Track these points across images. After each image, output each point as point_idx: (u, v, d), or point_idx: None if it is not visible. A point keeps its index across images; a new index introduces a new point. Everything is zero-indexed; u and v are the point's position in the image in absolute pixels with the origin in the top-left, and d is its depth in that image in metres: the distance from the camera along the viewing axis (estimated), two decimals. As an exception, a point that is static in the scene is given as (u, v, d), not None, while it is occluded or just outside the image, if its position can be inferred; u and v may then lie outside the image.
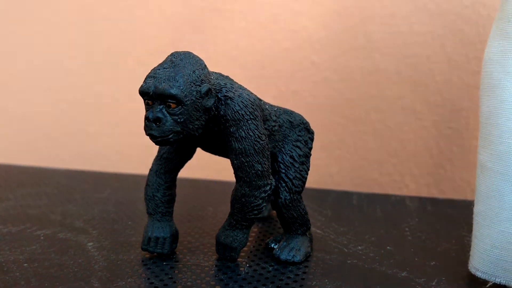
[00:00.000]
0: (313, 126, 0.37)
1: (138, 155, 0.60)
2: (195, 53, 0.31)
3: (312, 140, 0.37)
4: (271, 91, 0.58)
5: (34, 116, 0.64)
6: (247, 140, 0.31)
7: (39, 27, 0.62)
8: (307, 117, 0.50)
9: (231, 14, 0.58)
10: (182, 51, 0.31)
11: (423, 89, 0.56)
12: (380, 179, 0.58)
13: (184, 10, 0.59)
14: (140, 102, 0.40)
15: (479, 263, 0.32)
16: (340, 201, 0.46)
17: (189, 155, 0.35)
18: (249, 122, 0.31)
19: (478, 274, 0.34)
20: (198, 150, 0.36)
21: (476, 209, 0.32)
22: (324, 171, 0.59)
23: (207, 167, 0.55)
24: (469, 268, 0.34)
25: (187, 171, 0.45)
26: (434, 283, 0.31)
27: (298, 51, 0.57)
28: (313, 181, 0.58)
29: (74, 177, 0.51)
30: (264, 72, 0.58)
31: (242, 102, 0.31)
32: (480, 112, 0.32)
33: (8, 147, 0.65)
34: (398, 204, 0.45)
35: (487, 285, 0.33)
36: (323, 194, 0.48)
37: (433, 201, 0.46)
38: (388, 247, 0.36)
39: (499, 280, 0.33)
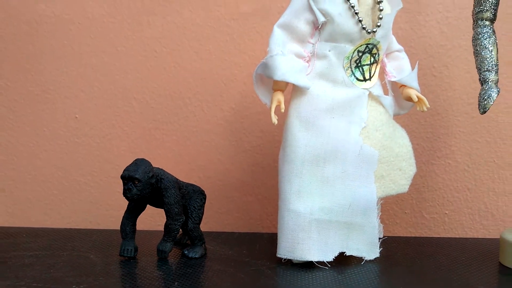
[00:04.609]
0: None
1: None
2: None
3: (205, 198, 0.70)
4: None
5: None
6: (170, 197, 0.64)
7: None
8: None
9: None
10: (141, 158, 0.65)
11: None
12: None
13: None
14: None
15: (279, 247, 0.60)
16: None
17: (143, 208, 0.68)
18: (171, 189, 0.64)
19: (279, 255, 0.60)
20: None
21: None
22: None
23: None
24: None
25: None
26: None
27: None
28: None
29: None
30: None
31: (168, 180, 0.65)
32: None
33: None
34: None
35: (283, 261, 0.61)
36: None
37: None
38: (243, 251, 0.70)
39: (287, 257, 0.60)
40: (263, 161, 0.87)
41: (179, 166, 0.87)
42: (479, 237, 0.82)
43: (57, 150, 0.92)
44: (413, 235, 0.84)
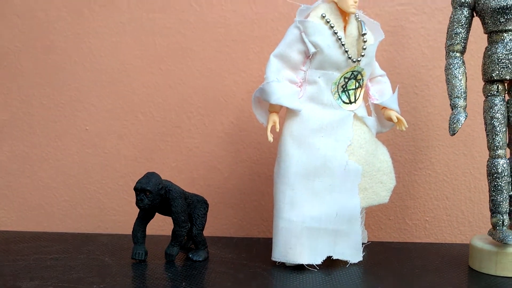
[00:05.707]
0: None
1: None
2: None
3: (207, 207, 0.76)
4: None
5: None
6: (177, 207, 0.71)
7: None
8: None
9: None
10: (151, 171, 0.73)
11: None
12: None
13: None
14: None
15: (274, 251, 0.66)
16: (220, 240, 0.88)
17: (152, 216, 0.75)
18: (178, 199, 0.71)
19: (274, 259, 0.65)
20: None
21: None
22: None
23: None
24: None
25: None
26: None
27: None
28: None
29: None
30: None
31: (175, 191, 0.71)
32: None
33: None
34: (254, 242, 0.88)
35: (277, 263, 0.70)
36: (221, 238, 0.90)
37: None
38: (242, 254, 0.78)
39: (281, 260, 0.65)
40: (260, 171, 0.92)
41: (181, 175, 0.92)
42: (457, 242, 0.86)
43: (68, 159, 0.98)
44: (396, 240, 0.91)
